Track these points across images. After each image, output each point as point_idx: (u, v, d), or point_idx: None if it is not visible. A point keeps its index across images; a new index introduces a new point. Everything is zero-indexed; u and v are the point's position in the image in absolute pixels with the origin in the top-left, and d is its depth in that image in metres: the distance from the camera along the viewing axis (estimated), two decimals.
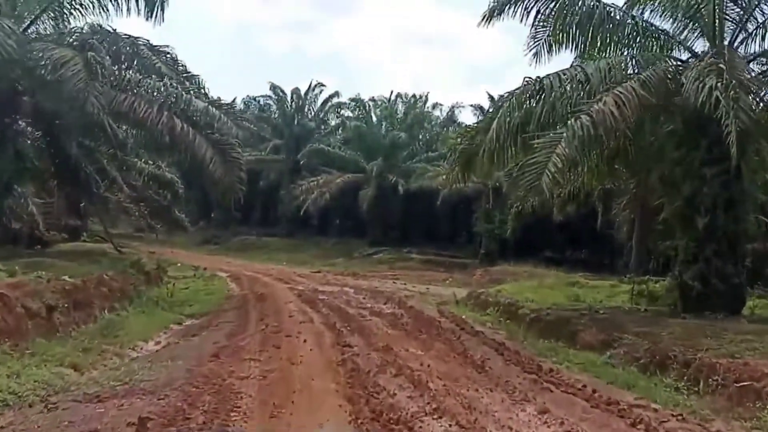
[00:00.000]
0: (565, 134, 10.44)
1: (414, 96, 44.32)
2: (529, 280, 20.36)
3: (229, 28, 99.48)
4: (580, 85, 11.76)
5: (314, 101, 46.43)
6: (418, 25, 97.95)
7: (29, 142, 17.60)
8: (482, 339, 11.59)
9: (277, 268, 30.34)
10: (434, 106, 44.29)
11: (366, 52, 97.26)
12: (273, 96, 46.70)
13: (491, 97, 43.73)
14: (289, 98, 46.64)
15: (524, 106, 12.02)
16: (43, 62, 14.16)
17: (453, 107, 44.18)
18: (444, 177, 37.20)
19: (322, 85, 46.33)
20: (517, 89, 12.27)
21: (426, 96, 44.29)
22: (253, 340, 10.70)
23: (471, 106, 43.92)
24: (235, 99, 51.17)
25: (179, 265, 25.67)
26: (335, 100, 45.28)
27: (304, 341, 10.69)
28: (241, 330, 11.93)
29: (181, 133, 15.47)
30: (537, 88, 11.86)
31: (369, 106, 42.42)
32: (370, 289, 21.53)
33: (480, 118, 45.24)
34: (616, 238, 29.48)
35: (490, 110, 43.55)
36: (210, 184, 18.89)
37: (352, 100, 42.12)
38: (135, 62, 16.18)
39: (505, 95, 12.62)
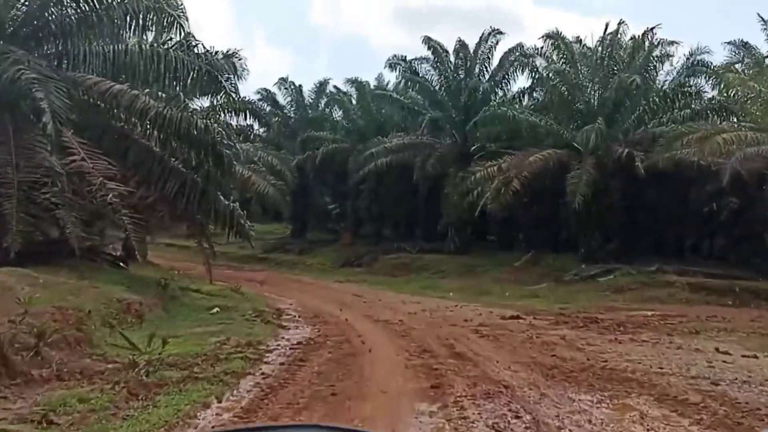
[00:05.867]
0: None
1: (634, 38, 28.30)
2: None
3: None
4: None
5: (488, 57, 32.18)
6: None
7: None
8: None
9: (435, 308, 16.48)
10: (664, 52, 27.89)
11: None
12: (430, 57, 32.95)
13: None
14: (452, 57, 32.75)
15: None
16: None
17: (693, 53, 27.61)
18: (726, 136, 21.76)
19: (500, 33, 32.00)
20: None
21: (653, 33, 28.09)
22: None
23: (728, 43, 27.29)
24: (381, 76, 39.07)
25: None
26: (517, 54, 30.63)
27: None
28: None
29: None
30: None
31: (574, 49, 27.31)
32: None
33: (747, 58, 28.99)
34: None
35: None
36: None
37: (549, 36, 27.05)
38: None
39: None
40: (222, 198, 15.09)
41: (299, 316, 14.09)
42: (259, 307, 14.43)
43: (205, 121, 14.14)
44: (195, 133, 13.56)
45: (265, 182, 25.12)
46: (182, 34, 16.34)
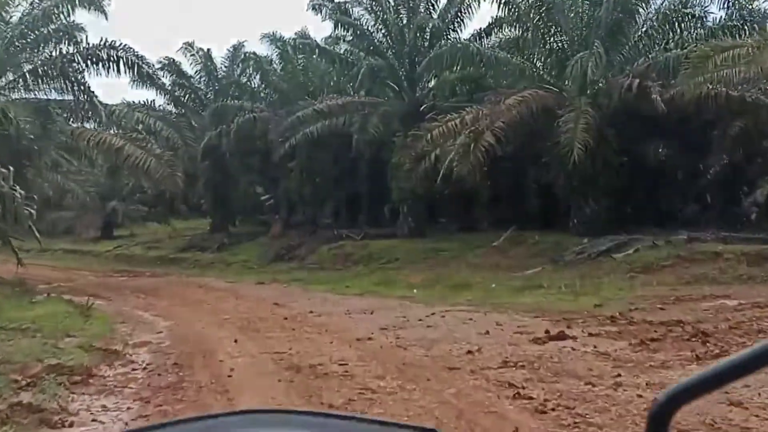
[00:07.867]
0: None
1: None
2: None
3: None
4: None
5: None
6: None
7: None
8: None
9: (400, 322, 10.03)
10: None
11: None
12: None
13: None
14: None
15: None
16: None
17: None
18: None
19: None
20: None
21: None
22: None
23: None
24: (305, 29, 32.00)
25: None
26: None
27: None
28: None
29: None
30: None
31: None
32: None
33: None
34: None
35: None
36: None
37: None
38: None
39: None
40: None
41: (142, 370, 7.33)
42: (69, 357, 7.59)
43: None
44: None
45: (145, 153, 18.19)
46: None
